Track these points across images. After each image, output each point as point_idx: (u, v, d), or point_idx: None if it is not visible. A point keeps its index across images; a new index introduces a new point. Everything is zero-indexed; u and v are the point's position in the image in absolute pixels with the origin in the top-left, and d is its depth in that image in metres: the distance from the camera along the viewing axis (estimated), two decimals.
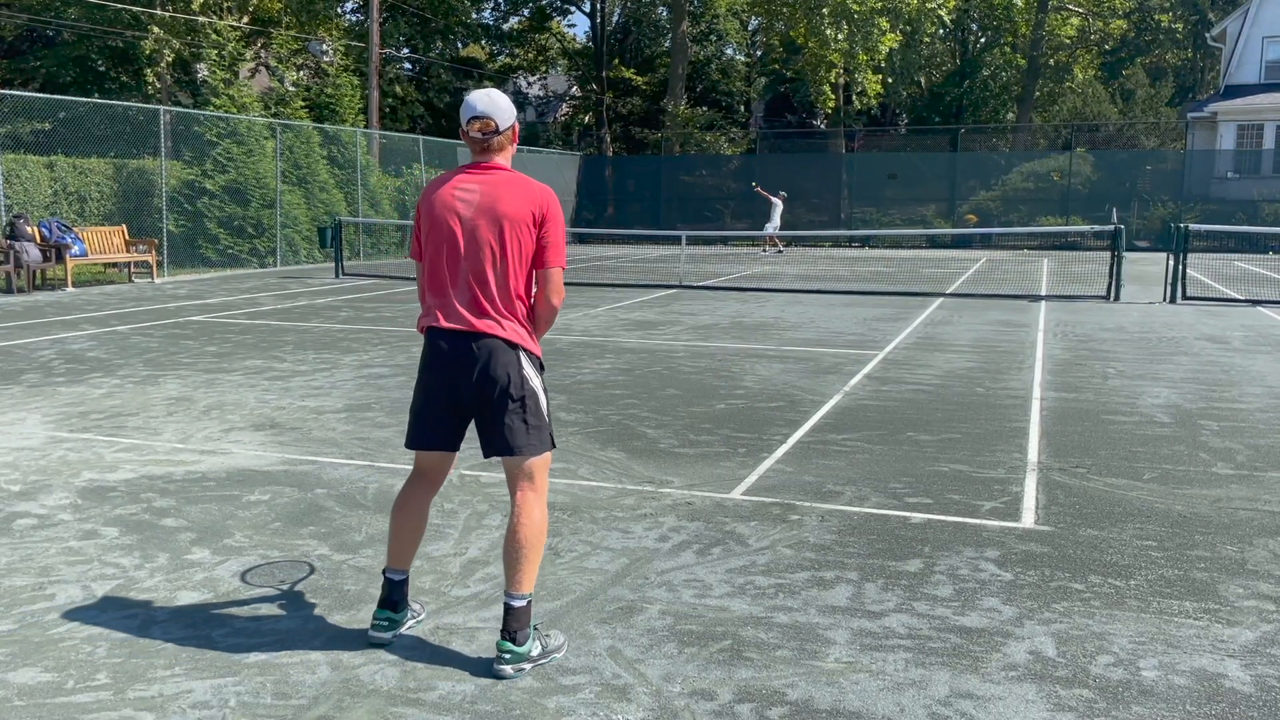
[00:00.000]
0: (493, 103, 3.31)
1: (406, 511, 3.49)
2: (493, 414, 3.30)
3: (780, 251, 28.26)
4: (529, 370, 3.32)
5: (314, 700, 3.08)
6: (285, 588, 3.99)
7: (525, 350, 3.33)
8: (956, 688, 3.18)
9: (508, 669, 3.24)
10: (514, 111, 3.36)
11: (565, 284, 15.23)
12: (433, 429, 3.38)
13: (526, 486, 3.34)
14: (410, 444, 3.44)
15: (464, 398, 3.31)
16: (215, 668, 3.28)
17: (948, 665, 3.33)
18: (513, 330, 3.30)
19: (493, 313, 3.28)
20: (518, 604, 3.28)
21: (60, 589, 3.93)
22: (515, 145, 3.42)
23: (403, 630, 3.54)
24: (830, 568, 4.19)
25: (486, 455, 3.35)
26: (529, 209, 3.29)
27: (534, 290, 3.40)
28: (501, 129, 3.31)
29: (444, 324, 3.29)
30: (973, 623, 3.66)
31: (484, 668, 3.29)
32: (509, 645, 3.25)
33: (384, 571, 3.53)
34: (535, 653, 3.31)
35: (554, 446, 3.42)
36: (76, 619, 3.65)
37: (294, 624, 3.62)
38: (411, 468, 3.58)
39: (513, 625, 3.26)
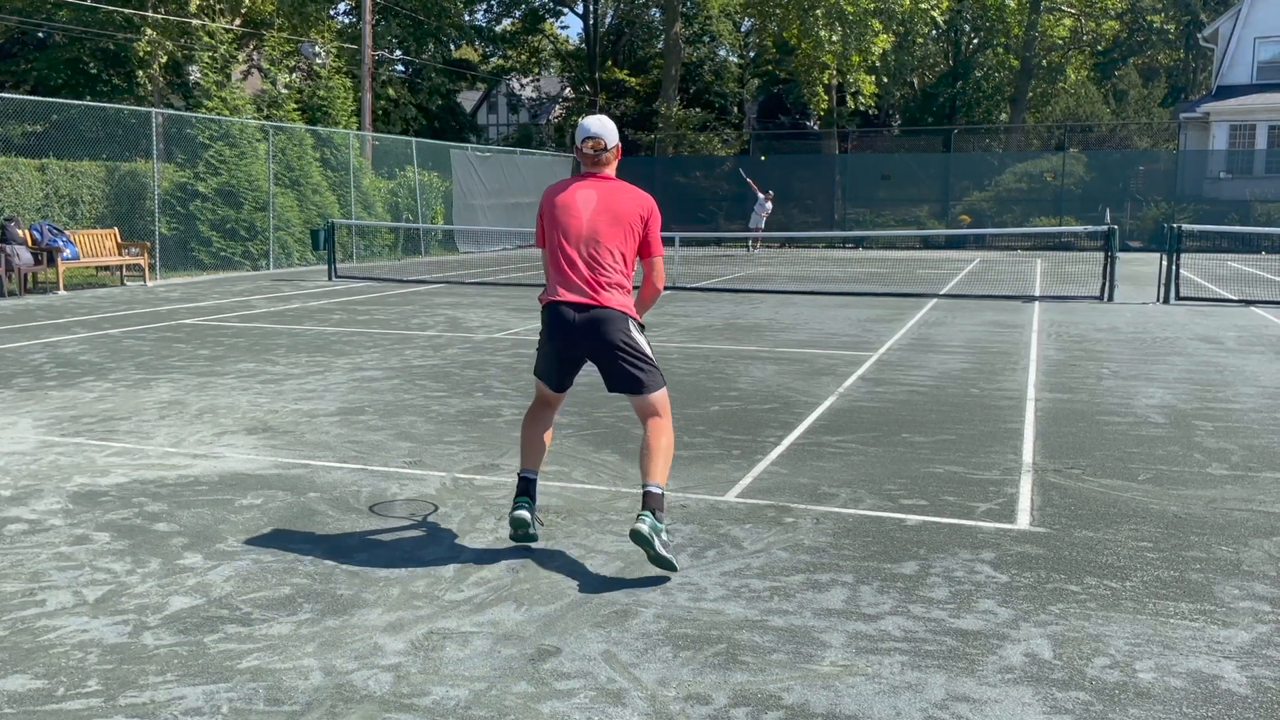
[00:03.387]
0: (603, 125, 4.22)
1: (535, 427, 4.45)
2: (614, 364, 4.17)
3: (752, 250, 28.26)
4: (634, 331, 4.19)
5: (307, 706, 3.06)
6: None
7: (630, 317, 4.19)
8: (953, 690, 3.17)
9: (645, 528, 3.92)
10: (617, 133, 4.27)
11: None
12: (552, 374, 4.34)
13: (654, 417, 4.19)
14: (538, 375, 4.40)
15: (584, 353, 4.20)
16: (208, 673, 3.26)
17: (944, 668, 3.32)
18: (620, 302, 4.16)
19: (607, 288, 4.14)
20: (655, 490, 4.06)
21: (51, 594, 3.90)
22: (618, 159, 4.28)
23: (532, 518, 4.35)
24: (825, 570, 4.18)
25: (611, 390, 4.25)
26: (638, 211, 4.21)
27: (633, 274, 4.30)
28: (609, 146, 4.22)
29: (567, 297, 4.14)
30: (968, 625, 3.65)
31: (478, 671, 3.28)
32: (649, 515, 3.97)
33: (519, 472, 4.44)
34: (665, 537, 4.02)
35: (665, 383, 4.26)
36: (67, 625, 3.62)
37: (287, 629, 3.60)
38: (536, 395, 4.48)
39: (651, 504, 4.01)
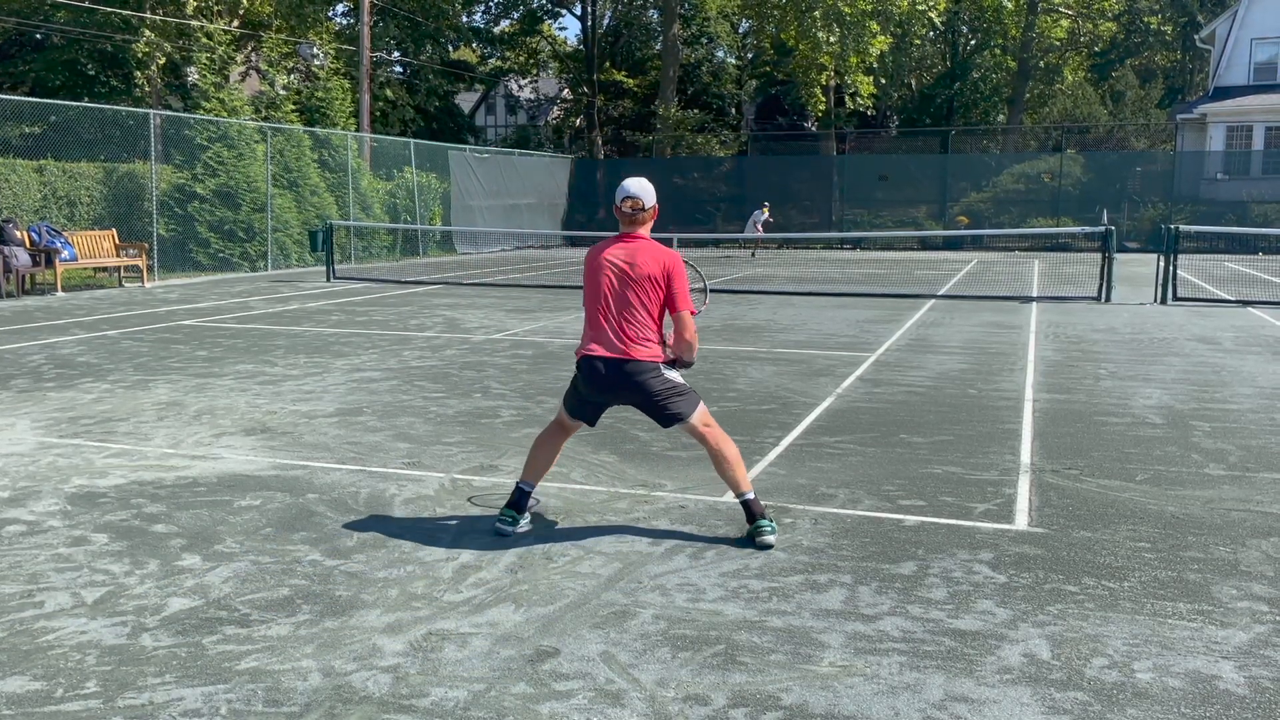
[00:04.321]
0: (641, 187, 4.51)
1: (546, 446, 4.72)
2: (653, 406, 4.49)
3: (752, 255, 28.28)
4: (665, 371, 4.49)
5: (306, 707, 3.06)
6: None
7: (658, 362, 4.48)
8: (951, 691, 3.17)
9: (769, 538, 4.45)
10: (654, 195, 4.55)
11: (558, 287, 16.14)
12: (581, 412, 4.65)
13: (706, 432, 4.52)
14: (565, 406, 4.68)
15: (619, 401, 4.55)
16: (206, 675, 3.26)
17: (942, 668, 3.32)
18: (648, 354, 4.45)
19: (636, 341, 4.44)
20: (749, 498, 4.53)
21: (49, 596, 3.90)
22: (654, 219, 4.57)
23: (517, 530, 4.62)
24: (824, 571, 4.18)
25: (666, 427, 4.56)
26: (660, 267, 4.45)
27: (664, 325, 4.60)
28: (646, 207, 4.51)
29: (599, 353, 4.46)
30: (967, 625, 3.66)
31: (477, 672, 3.28)
32: (762, 521, 4.49)
33: (517, 482, 4.68)
34: (774, 526, 4.52)
35: (700, 399, 4.56)
36: (66, 626, 3.62)
37: (285, 630, 3.60)
38: (555, 418, 4.76)
39: (754, 510, 4.52)
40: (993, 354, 10.02)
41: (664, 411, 4.48)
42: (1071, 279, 18.92)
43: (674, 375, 4.50)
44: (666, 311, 4.55)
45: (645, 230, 4.56)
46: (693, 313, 4.52)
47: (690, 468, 5.73)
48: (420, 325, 12.16)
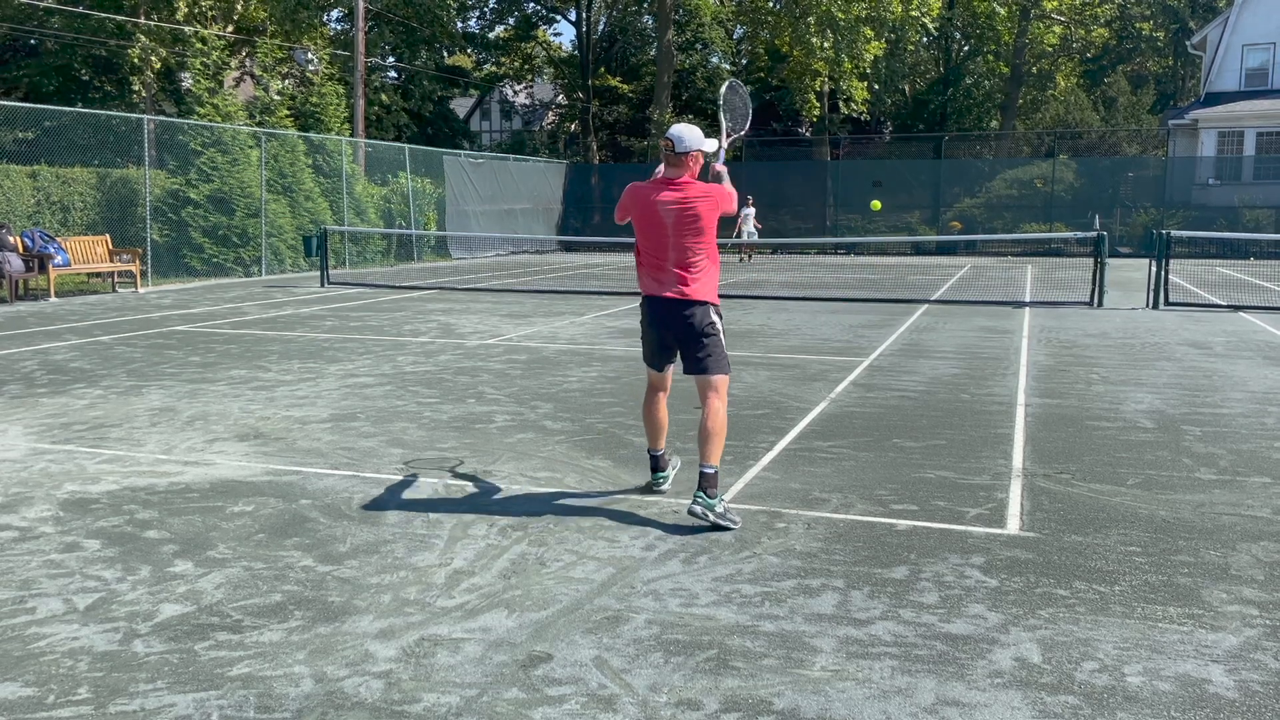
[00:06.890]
0: (678, 133, 4.85)
1: (652, 411, 5.15)
2: (693, 346, 4.86)
3: (746, 260, 28.24)
4: (714, 316, 4.92)
5: (298, 713, 3.06)
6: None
7: (712, 305, 4.91)
8: (942, 695, 3.18)
9: (698, 509, 4.66)
10: (697, 144, 4.83)
11: (553, 292, 16.19)
12: (656, 356, 5.08)
13: (712, 395, 4.86)
14: (646, 361, 5.16)
15: (674, 338, 4.93)
16: (198, 681, 3.26)
17: (934, 673, 3.33)
18: (702, 292, 4.88)
19: (691, 282, 4.86)
20: (709, 470, 4.73)
21: (41, 602, 3.89)
22: (697, 168, 4.90)
23: (665, 487, 5.26)
24: (816, 575, 4.19)
25: (687, 372, 4.94)
26: (702, 205, 4.80)
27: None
28: (677, 150, 4.81)
29: (661, 294, 4.89)
30: (958, 630, 3.67)
31: (470, 678, 3.28)
32: (702, 495, 4.69)
33: (648, 451, 5.26)
34: (719, 509, 4.71)
35: (730, 370, 4.94)
36: (58, 633, 3.62)
37: (278, 636, 3.60)
38: (647, 383, 5.21)
39: (704, 485, 4.70)
40: (985, 359, 10.04)
41: (697, 354, 4.82)
42: (1064, 284, 18.98)
43: (720, 324, 4.90)
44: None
45: (691, 174, 4.85)
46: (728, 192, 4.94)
47: (683, 472, 5.73)
48: (414, 330, 12.16)
